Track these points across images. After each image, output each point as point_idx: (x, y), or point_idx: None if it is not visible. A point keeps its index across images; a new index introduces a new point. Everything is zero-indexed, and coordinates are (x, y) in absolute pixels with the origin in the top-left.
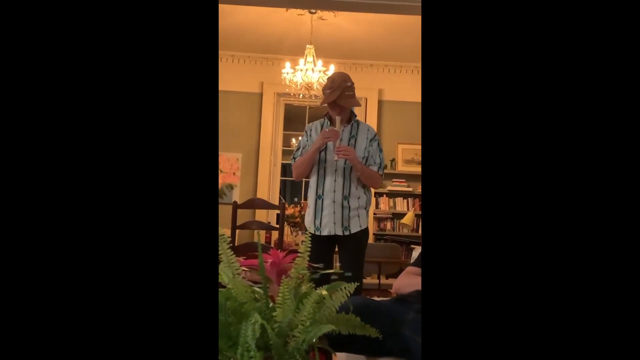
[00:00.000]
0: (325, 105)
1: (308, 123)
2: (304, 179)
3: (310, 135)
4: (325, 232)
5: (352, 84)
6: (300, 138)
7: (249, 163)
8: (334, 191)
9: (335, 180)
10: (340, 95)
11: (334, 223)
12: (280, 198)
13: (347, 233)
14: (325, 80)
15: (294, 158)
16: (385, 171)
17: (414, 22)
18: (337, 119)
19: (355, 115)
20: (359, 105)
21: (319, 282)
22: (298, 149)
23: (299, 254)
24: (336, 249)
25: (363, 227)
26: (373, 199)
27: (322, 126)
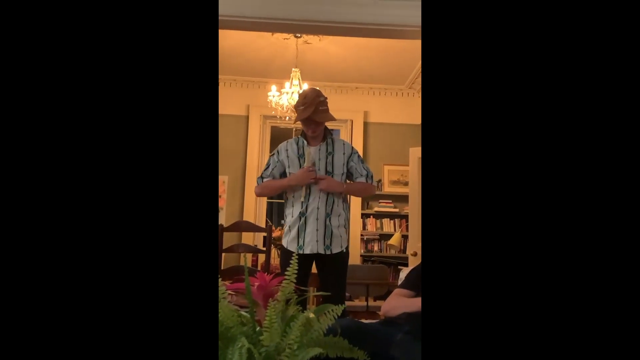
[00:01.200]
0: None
1: None
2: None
3: (287, 156)
4: (307, 251)
5: (325, 98)
6: (271, 157)
7: (236, 186)
8: (318, 208)
9: (319, 198)
10: (314, 111)
11: (317, 241)
12: (267, 220)
13: (328, 252)
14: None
15: (262, 177)
16: None
17: (398, 46)
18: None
19: (331, 133)
20: (334, 119)
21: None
22: (267, 167)
23: (285, 277)
24: (313, 269)
25: (344, 247)
26: (360, 220)
27: (297, 144)
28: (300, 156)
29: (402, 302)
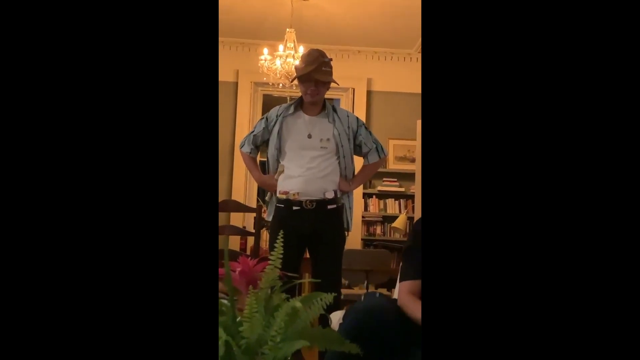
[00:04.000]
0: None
1: None
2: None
3: (272, 121)
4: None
5: (330, 60)
6: (259, 120)
7: (224, 160)
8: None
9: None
10: (316, 69)
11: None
12: (257, 200)
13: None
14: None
15: (243, 143)
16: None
17: (406, 5)
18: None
19: (333, 104)
20: (337, 83)
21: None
22: (252, 132)
23: (270, 261)
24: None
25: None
26: (361, 201)
27: (287, 109)
28: (279, 115)
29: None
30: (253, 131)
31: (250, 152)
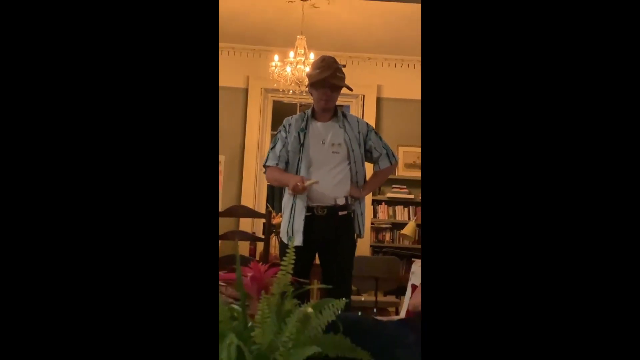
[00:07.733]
0: (310, 93)
1: None
2: None
3: (289, 131)
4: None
5: (343, 66)
6: (277, 134)
7: (233, 166)
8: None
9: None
10: (332, 74)
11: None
12: (267, 205)
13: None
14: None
15: (268, 160)
16: None
17: (415, 12)
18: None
19: (342, 111)
20: (350, 89)
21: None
22: (274, 146)
23: (281, 267)
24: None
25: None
26: (370, 207)
27: (302, 120)
28: (301, 130)
29: None
30: (275, 145)
31: (278, 164)
